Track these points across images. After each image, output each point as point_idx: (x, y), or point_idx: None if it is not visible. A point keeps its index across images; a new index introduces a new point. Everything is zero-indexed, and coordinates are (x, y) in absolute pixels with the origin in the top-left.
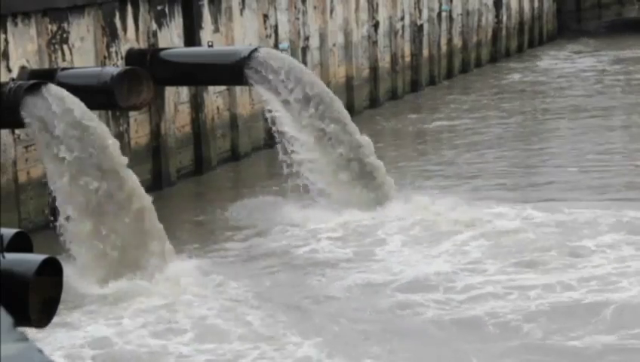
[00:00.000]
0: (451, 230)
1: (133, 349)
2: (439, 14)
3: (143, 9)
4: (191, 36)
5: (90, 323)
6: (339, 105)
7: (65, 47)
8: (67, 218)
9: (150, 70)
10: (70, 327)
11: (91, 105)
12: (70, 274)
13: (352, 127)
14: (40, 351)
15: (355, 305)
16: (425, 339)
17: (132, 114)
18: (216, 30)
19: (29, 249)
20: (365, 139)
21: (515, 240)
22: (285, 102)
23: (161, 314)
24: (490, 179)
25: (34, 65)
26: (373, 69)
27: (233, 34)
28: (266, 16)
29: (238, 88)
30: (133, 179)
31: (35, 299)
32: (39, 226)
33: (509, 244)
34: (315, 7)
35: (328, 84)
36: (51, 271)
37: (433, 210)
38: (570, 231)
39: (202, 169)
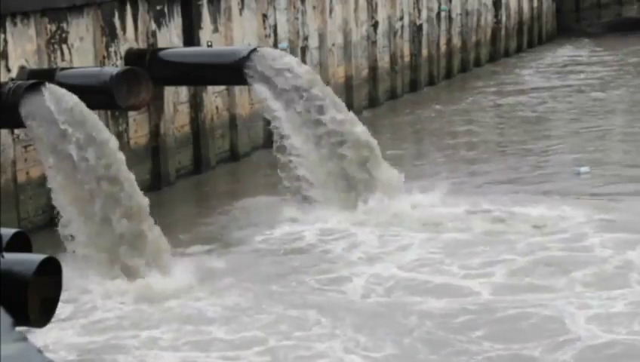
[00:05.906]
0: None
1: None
2: (438, 14)
3: (142, 9)
4: (190, 36)
5: None
6: (340, 104)
7: (64, 47)
8: (66, 217)
9: (149, 70)
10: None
11: (91, 105)
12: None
13: (355, 125)
14: (39, 351)
15: (360, 304)
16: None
17: (131, 114)
18: (216, 30)
19: (28, 249)
20: (366, 133)
21: None
22: (284, 102)
23: (160, 315)
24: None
25: (33, 65)
26: (373, 68)
27: (232, 34)
28: (265, 16)
29: (237, 88)
30: (131, 179)
31: (34, 298)
32: (38, 226)
33: None
34: (314, 7)
35: (327, 84)
36: (51, 270)
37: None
38: None
39: (201, 169)
